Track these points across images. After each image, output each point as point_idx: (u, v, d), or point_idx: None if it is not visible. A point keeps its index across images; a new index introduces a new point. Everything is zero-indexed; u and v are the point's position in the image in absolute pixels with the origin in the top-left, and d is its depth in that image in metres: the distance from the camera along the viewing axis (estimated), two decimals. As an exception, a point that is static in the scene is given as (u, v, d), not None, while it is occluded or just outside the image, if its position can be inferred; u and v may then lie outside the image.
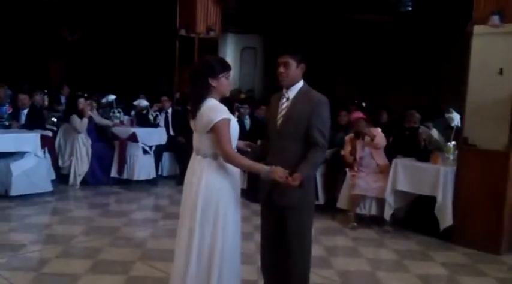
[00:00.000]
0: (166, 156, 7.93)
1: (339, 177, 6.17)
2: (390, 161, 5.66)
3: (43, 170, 6.45)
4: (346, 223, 5.72)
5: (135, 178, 7.24)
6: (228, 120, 2.81)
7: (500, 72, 4.87)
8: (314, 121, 3.05)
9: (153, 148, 7.48)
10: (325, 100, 3.13)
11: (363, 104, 8.91)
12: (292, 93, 3.16)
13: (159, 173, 7.75)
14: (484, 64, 4.99)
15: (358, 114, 5.98)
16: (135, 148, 7.27)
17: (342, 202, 5.90)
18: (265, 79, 14.32)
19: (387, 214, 5.54)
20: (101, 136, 7.58)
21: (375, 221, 5.75)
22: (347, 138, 6.01)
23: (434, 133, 6.30)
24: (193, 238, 2.82)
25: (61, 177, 7.17)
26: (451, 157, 5.46)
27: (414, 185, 5.40)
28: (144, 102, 8.07)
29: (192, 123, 2.95)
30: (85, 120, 7.13)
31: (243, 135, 3.42)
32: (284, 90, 3.19)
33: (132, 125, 7.78)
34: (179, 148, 7.59)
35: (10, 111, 7.29)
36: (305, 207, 3.16)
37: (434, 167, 5.31)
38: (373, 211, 5.72)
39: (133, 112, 8.42)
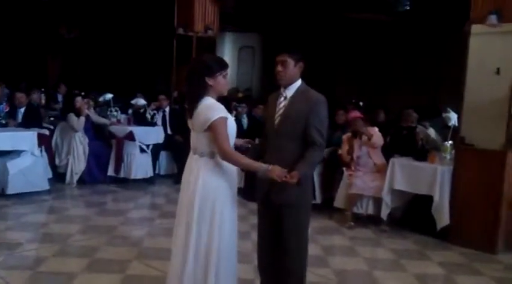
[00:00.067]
0: (163, 155, 7.92)
1: (336, 176, 6.17)
2: (387, 160, 5.67)
3: (40, 169, 6.43)
4: (343, 222, 5.72)
5: (132, 177, 7.23)
6: (225, 119, 2.81)
7: (498, 71, 4.88)
8: (312, 120, 3.05)
9: (150, 147, 7.47)
10: (323, 99, 3.13)
11: (361, 103, 8.91)
12: (290, 92, 3.16)
13: (156, 172, 7.73)
14: (482, 63, 4.99)
15: (356, 114, 5.98)
16: (132, 147, 7.26)
17: (339, 202, 5.91)
18: (263, 78, 14.32)
19: (384, 213, 5.54)
20: (98, 135, 7.57)
21: (372, 221, 5.75)
22: (344, 137, 6.01)
23: (431, 132, 6.31)
24: (190, 237, 2.81)
25: (58, 176, 7.15)
26: (448, 156, 5.47)
27: (411, 184, 5.40)
28: (141, 101, 8.06)
29: (189, 122, 2.94)
30: (82, 119, 7.11)
31: (241, 134, 3.43)
32: (282, 89, 3.19)
33: (129, 124, 7.77)
34: (176, 147, 7.59)
35: (7, 110, 7.27)
36: (302, 205, 3.16)
37: (431, 166, 5.31)
38: (370, 210, 5.72)
39: (130, 111, 8.40)
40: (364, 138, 5.74)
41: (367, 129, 5.76)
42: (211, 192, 2.82)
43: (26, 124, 6.92)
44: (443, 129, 6.08)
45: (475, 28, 5.01)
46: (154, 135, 7.57)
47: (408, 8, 9.77)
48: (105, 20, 12.67)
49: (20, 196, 6.12)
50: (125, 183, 7.26)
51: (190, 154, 2.96)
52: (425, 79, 11.07)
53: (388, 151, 5.88)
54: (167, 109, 8.15)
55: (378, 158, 5.84)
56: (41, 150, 6.57)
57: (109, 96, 8.14)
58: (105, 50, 13.24)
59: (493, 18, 4.83)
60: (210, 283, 2.79)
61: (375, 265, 4.62)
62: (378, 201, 5.63)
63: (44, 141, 6.62)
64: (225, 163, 2.86)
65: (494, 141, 4.94)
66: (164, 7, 9.73)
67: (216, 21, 9.22)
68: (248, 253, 4.30)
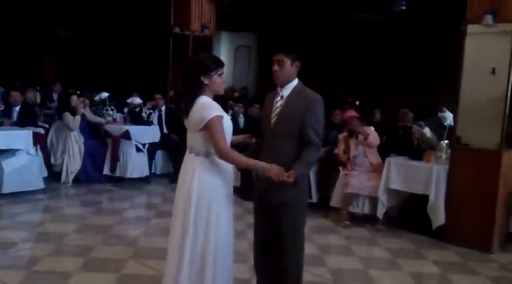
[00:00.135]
0: (159, 154, 7.91)
1: (332, 176, 6.18)
2: (383, 160, 5.68)
3: (35, 167, 6.41)
4: (339, 221, 5.73)
5: (128, 176, 7.22)
6: (221, 117, 2.80)
7: (493, 71, 4.89)
8: (308, 119, 3.05)
9: (146, 146, 7.46)
10: (320, 98, 3.13)
11: (357, 103, 8.91)
12: (286, 91, 3.16)
13: (152, 171, 7.72)
14: (477, 63, 5.00)
15: (352, 113, 5.99)
16: (128, 146, 7.25)
17: (335, 201, 5.91)
18: (259, 77, 14.31)
19: (380, 212, 5.55)
20: (94, 134, 7.55)
21: (367, 220, 5.76)
22: (341, 136, 6.02)
23: (427, 132, 6.32)
24: (186, 237, 2.81)
25: (53, 175, 7.13)
26: (444, 156, 5.48)
27: (407, 184, 5.41)
28: (137, 100, 8.04)
29: (185, 121, 2.93)
30: (78, 118, 7.09)
31: (237, 133, 3.42)
32: (278, 89, 3.19)
33: (125, 123, 7.75)
34: (172, 146, 7.58)
35: (2, 108, 7.24)
36: (298, 204, 3.16)
37: (427, 166, 5.33)
38: (366, 209, 5.73)
39: (126, 110, 8.39)
40: (361, 137, 5.75)
41: (363, 128, 5.77)
42: (207, 191, 2.82)
43: (21, 123, 6.89)
44: (439, 129, 6.09)
45: (471, 28, 5.02)
46: (150, 134, 7.56)
47: (404, 8, 9.78)
48: (101, 19, 12.64)
49: (15, 195, 6.09)
50: (121, 182, 7.24)
51: (187, 153, 2.95)
52: (421, 79, 11.09)
53: (384, 151, 5.89)
54: (163, 108, 8.14)
55: (374, 157, 5.85)
56: (36, 149, 6.56)
57: (105, 94, 8.12)
58: (101, 49, 13.20)
59: (489, 18, 4.84)
60: (206, 282, 2.79)
61: (370, 264, 4.62)
62: (373, 200, 5.64)
63: (39, 140, 6.60)
64: (221, 162, 2.85)
65: (489, 141, 4.95)
66: (160, 6, 9.71)
67: (212, 20, 9.21)
68: (244, 252, 4.30)
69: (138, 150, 7.34)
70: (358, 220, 5.80)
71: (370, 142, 5.72)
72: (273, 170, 2.80)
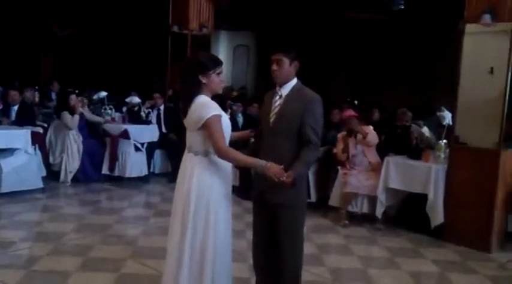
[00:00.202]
0: (158, 153, 7.90)
1: (331, 175, 6.19)
2: (382, 159, 5.69)
3: (33, 167, 6.40)
4: (338, 220, 5.73)
5: (127, 175, 7.22)
6: (219, 116, 2.80)
7: (491, 71, 4.90)
8: (307, 119, 3.05)
9: (145, 145, 7.46)
10: (318, 98, 3.13)
11: (355, 102, 8.92)
12: (285, 90, 3.16)
13: (151, 170, 7.72)
14: (475, 63, 5.01)
15: (350, 112, 5.99)
16: (126, 145, 7.24)
17: (333, 200, 5.92)
18: (258, 77, 14.31)
19: (379, 211, 5.56)
20: (92, 133, 7.55)
21: (366, 219, 5.77)
22: (339, 136, 6.02)
23: (426, 131, 6.33)
24: (185, 236, 2.80)
25: (52, 174, 7.13)
26: (442, 155, 5.49)
27: (406, 183, 5.42)
28: (136, 99, 8.03)
29: (184, 120, 2.93)
30: (76, 117, 7.09)
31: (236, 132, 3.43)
32: (277, 88, 3.19)
33: (123, 122, 7.75)
34: (171, 146, 7.57)
35: (0, 108, 7.24)
36: (297, 205, 3.16)
37: (425, 165, 5.33)
38: (365, 208, 5.74)
39: (125, 109, 8.38)
40: (359, 136, 5.75)
41: (361, 127, 5.77)
42: (205, 190, 2.82)
43: (20, 122, 6.89)
44: (438, 128, 6.10)
45: (469, 27, 5.03)
46: (149, 133, 7.55)
47: (403, 7, 9.79)
48: (99, 18, 12.61)
49: (14, 195, 6.09)
50: (120, 181, 7.24)
51: (185, 152, 2.95)
52: (419, 78, 11.11)
53: (383, 150, 5.90)
54: (162, 107, 8.14)
55: (373, 157, 5.86)
56: (35, 148, 6.55)
57: (103, 94, 8.11)
58: (99, 48, 13.18)
59: (487, 18, 4.84)
60: (205, 281, 2.79)
61: (369, 263, 4.63)
62: (372, 200, 5.64)
63: (37, 139, 6.60)
64: (220, 162, 2.85)
65: (488, 140, 4.96)
66: (159, 5, 9.69)
67: (211, 19, 9.20)
68: (243, 251, 4.31)
69: (137, 149, 7.33)
70: (357, 219, 5.80)
71: (368, 141, 5.72)
72: (273, 169, 2.80)
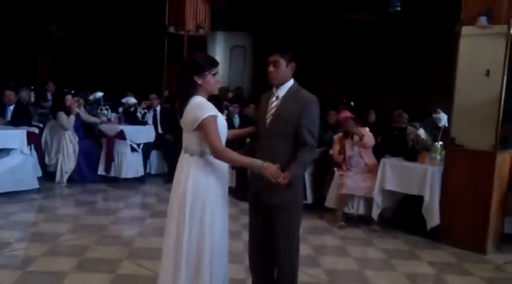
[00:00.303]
0: (154, 154, 7.89)
1: (327, 176, 6.19)
2: (378, 161, 5.69)
3: (29, 167, 6.38)
4: (334, 222, 5.74)
5: (123, 176, 7.20)
6: (215, 117, 2.79)
7: (487, 73, 4.91)
8: (303, 120, 3.05)
9: (141, 146, 7.45)
10: (315, 99, 3.13)
11: (352, 103, 8.94)
12: (282, 91, 3.16)
13: (147, 171, 7.71)
14: (472, 65, 5.02)
15: (346, 114, 6.00)
16: (122, 145, 7.23)
17: (330, 202, 5.92)
18: (254, 78, 14.31)
19: (375, 213, 5.56)
20: (88, 134, 7.53)
21: (362, 221, 5.77)
22: (336, 137, 6.03)
23: (422, 133, 6.34)
24: (181, 237, 2.80)
25: (47, 174, 7.10)
26: (438, 157, 5.50)
27: (402, 185, 5.43)
28: (132, 100, 8.02)
29: (181, 121, 2.93)
30: (72, 117, 7.07)
31: (234, 130, 3.44)
32: (274, 89, 3.19)
33: (119, 122, 7.73)
34: (167, 146, 7.56)
35: (-4, 108, 7.21)
36: (293, 206, 3.15)
37: (421, 167, 5.34)
38: (361, 210, 5.74)
39: (121, 110, 8.37)
40: (356, 138, 5.76)
41: (358, 129, 5.78)
42: (201, 191, 2.81)
43: (15, 122, 6.86)
44: (434, 130, 6.12)
45: (465, 29, 5.04)
46: (145, 134, 7.54)
47: (399, 9, 9.80)
48: (96, 18, 12.59)
49: (9, 195, 6.06)
50: (116, 182, 7.22)
51: (182, 153, 2.94)
52: (415, 80, 11.13)
53: (379, 152, 5.91)
54: (158, 108, 8.13)
55: (369, 158, 5.86)
56: (31, 149, 6.53)
57: (99, 94, 8.09)
58: (95, 48, 13.15)
59: (483, 20, 4.86)
60: (203, 282, 2.78)
61: (365, 265, 4.63)
62: (368, 201, 5.65)
63: (33, 139, 6.58)
64: (216, 162, 2.85)
65: (484, 142, 4.97)
66: (155, 5, 9.69)
67: (207, 19, 9.19)
68: (239, 252, 4.30)
69: (133, 150, 7.32)
70: (353, 220, 5.81)
71: (365, 143, 5.73)
72: (270, 169, 2.79)
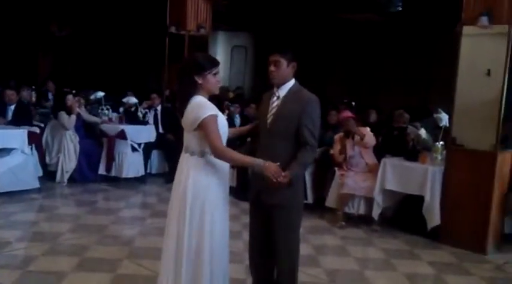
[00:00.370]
0: (155, 154, 7.89)
1: (328, 176, 6.19)
2: (379, 160, 5.69)
3: (30, 167, 6.38)
4: (335, 222, 5.74)
5: (124, 175, 7.20)
6: (215, 116, 2.79)
7: (488, 73, 4.91)
8: (304, 120, 3.05)
9: (142, 145, 7.44)
10: (316, 99, 3.13)
11: (353, 103, 8.93)
12: (282, 91, 3.16)
13: (148, 171, 7.71)
14: (473, 65, 5.02)
15: (347, 114, 5.99)
16: (123, 145, 7.23)
17: (330, 201, 5.92)
18: (255, 78, 14.31)
19: (375, 213, 5.56)
20: (89, 133, 7.53)
21: (363, 221, 5.77)
22: (337, 137, 6.03)
23: (423, 133, 6.33)
24: (182, 237, 2.79)
25: (48, 174, 7.10)
26: (439, 157, 5.49)
27: (402, 184, 5.42)
28: (133, 99, 8.02)
29: (182, 121, 2.93)
30: (73, 117, 7.07)
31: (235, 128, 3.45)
32: (275, 89, 3.19)
33: (120, 122, 7.73)
34: (168, 146, 7.56)
35: (-3, 107, 7.21)
36: (294, 206, 3.16)
37: (422, 167, 5.34)
38: (362, 210, 5.74)
39: (122, 110, 8.37)
40: (357, 138, 5.76)
41: (359, 129, 5.78)
42: (201, 190, 2.81)
43: (16, 122, 6.86)
44: (435, 130, 6.11)
45: (466, 29, 5.04)
46: (146, 133, 7.54)
47: (400, 8, 9.80)
48: (97, 18, 12.60)
49: (10, 195, 6.06)
50: (116, 181, 7.22)
51: (182, 153, 2.94)
52: (416, 80, 11.13)
53: (380, 152, 5.90)
54: (159, 107, 8.13)
55: (370, 158, 5.86)
56: (31, 148, 6.53)
57: (100, 94, 8.09)
58: (97, 48, 13.16)
59: (484, 20, 4.86)
60: (203, 282, 2.78)
61: (366, 265, 4.64)
62: (369, 201, 5.64)
63: (34, 139, 6.58)
64: (217, 162, 2.84)
65: (484, 142, 4.97)
66: (156, 5, 9.69)
67: (208, 19, 9.20)
68: (240, 252, 4.30)
69: (134, 149, 7.32)
70: (353, 220, 5.80)
71: (366, 142, 5.73)
72: (271, 168, 2.80)
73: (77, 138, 7.16)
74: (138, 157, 7.38)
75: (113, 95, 8.89)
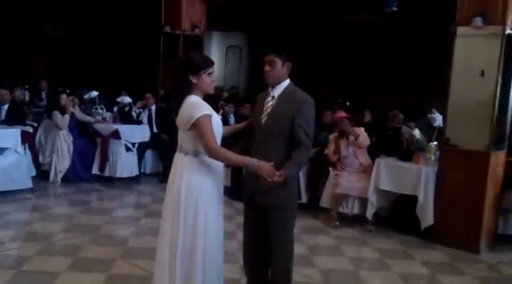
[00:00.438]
0: (149, 154, 7.87)
1: (322, 176, 6.19)
2: (373, 160, 5.70)
3: (23, 166, 6.35)
4: (329, 222, 5.74)
5: (118, 175, 7.18)
6: (209, 116, 2.79)
7: (482, 73, 4.93)
8: (298, 120, 3.06)
9: (136, 145, 7.42)
10: (310, 99, 3.14)
11: (347, 103, 8.94)
12: (277, 91, 3.16)
13: (142, 170, 7.68)
14: (467, 65, 5.04)
15: (342, 114, 6.00)
16: (117, 145, 7.20)
17: (324, 201, 5.92)
18: (250, 77, 14.31)
19: (369, 213, 5.57)
20: (83, 133, 7.50)
21: (357, 220, 5.78)
22: (331, 137, 6.03)
23: (417, 133, 6.34)
24: (176, 237, 2.79)
25: (42, 174, 7.07)
26: (433, 157, 5.51)
27: (396, 184, 5.44)
28: (127, 99, 8.00)
29: (177, 120, 2.92)
30: (67, 116, 7.04)
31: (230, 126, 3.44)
32: (270, 89, 3.20)
33: (114, 122, 7.71)
34: (162, 146, 7.55)
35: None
36: (288, 206, 3.16)
37: (416, 167, 5.35)
38: (356, 210, 5.75)
39: (116, 109, 8.34)
40: (351, 138, 5.76)
41: (353, 129, 5.78)
42: (195, 190, 2.80)
43: (10, 121, 6.82)
44: (429, 130, 6.13)
45: (461, 30, 5.06)
46: (140, 133, 7.52)
47: (395, 9, 9.82)
48: (92, 17, 12.55)
49: (3, 194, 6.03)
50: (110, 181, 7.20)
51: (177, 152, 2.94)
52: (412, 80, 11.15)
53: (374, 151, 5.91)
54: (153, 107, 8.11)
55: (364, 158, 5.87)
56: (25, 148, 6.50)
57: (94, 93, 8.06)
58: (91, 48, 13.11)
59: (478, 21, 4.88)
60: (195, 282, 2.77)
61: (360, 265, 4.64)
62: (363, 201, 5.65)
63: (27, 139, 6.55)
64: (210, 162, 2.84)
65: (478, 142, 4.99)
66: (151, 4, 9.67)
67: (203, 19, 9.18)
68: (234, 252, 4.29)
69: (128, 149, 7.29)
70: (347, 220, 5.81)
71: (360, 142, 5.74)
72: (265, 168, 2.80)
73: (71, 138, 7.13)
74: (132, 156, 7.35)
75: (107, 94, 8.86)
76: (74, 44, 13.20)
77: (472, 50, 5.04)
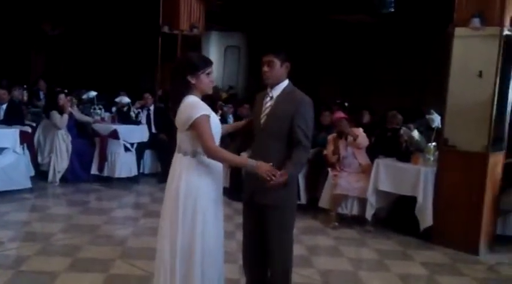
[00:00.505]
0: (147, 154, 7.87)
1: (321, 177, 6.19)
2: (372, 161, 5.70)
3: (22, 166, 6.35)
4: (328, 222, 5.74)
5: (116, 175, 7.18)
6: (208, 116, 2.78)
7: (480, 74, 4.93)
8: (297, 120, 3.06)
9: (135, 145, 7.42)
10: (309, 100, 3.14)
11: (346, 104, 8.95)
12: (276, 92, 3.17)
13: (141, 171, 7.68)
14: (465, 66, 5.04)
15: (340, 114, 6.01)
16: (116, 145, 7.20)
17: (323, 202, 5.92)
18: (248, 78, 14.31)
19: (369, 213, 5.57)
20: (82, 133, 7.50)
21: (356, 221, 5.78)
22: (330, 137, 6.04)
23: (415, 134, 6.35)
24: (175, 237, 2.79)
25: (40, 174, 7.06)
26: (432, 158, 5.51)
27: (395, 185, 5.44)
28: (125, 99, 7.99)
29: (175, 121, 2.92)
30: (65, 116, 7.04)
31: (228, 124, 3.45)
32: (268, 89, 3.20)
33: (113, 122, 7.71)
34: (161, 146, 7.54)
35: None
36: (287, 206, 3.16)
37: (415, 168, 5.36)
38: (355, 210, 5.75)
39: (114, 109, 8.34)
40: (350, 138, 5.77)
41: (352, 129, 5.79)
42: (193, 191, 2.80)
43: (8, 121, 6.82)
44: (427, 131, 6.14)
45: (459, 31, 5.06)
46: (139, 133, 7.52)
47: (393, 10, 9.83)
48: (90, 17, 12.54)
49: (2, 194, 6.02)
50: (109, 181, 7.19)
51: (176, 153, 2.94)
52: (410, 81, 11.16)
53: (373, 152, 5.92)
54: (152, 107, 8.11)
55: (363, 159, 5.87)
56: (23, 148, 6.49)
57: (93, 93, 8.06)
58: (89, 47, 13.10)
59: (476, 22, 4.88)
60: (195, 282, 2.77)
61: (359, 265, 4.65)
62: (362, 202, 5.66)
63: (26, 139, 6.54)
64: (210, 163, 2.84)
65: (476, 143, 4.99)
66: (149, 5, 9.66)
67: (201, 19, 9.18)
68: (233, 252, 4.30)
69: (126, 149, 7.29)
70: (346, 221, 5.81)
71: (359, 143, 5.74)
72: (263, 168, 2.80)
73: (69, 138, 7.13)
74: (131, 157, 7.35)
75: (106, 95, 8.86)
76: (73, 44, 13.19)
77: (470, 50, 5.04)
